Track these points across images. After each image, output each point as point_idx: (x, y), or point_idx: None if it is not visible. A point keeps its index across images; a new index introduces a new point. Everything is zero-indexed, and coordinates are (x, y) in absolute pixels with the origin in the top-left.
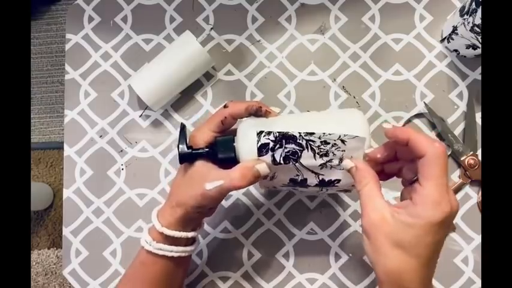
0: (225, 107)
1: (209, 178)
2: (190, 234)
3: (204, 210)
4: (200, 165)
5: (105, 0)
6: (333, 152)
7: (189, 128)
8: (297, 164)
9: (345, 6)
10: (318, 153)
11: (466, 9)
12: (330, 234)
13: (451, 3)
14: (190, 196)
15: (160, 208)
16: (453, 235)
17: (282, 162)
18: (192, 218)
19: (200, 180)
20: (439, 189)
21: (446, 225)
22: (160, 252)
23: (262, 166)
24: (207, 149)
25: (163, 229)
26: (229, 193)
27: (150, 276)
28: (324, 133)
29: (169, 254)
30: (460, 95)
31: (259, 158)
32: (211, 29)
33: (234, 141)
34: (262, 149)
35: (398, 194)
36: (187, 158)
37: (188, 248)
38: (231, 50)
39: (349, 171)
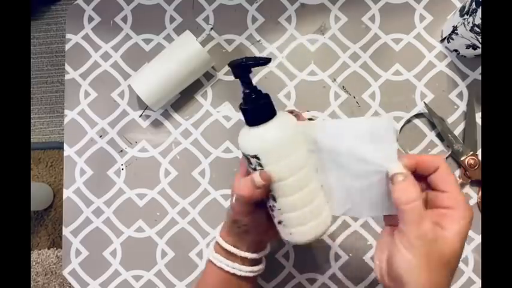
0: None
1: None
2: (243, 254)
3: (242, 226)
4: (234, 183)
5: (105, 0)
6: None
7: (190, 129)
8: None
9: (345, 6)
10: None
11: (466, 9)
12: (330, 234)
13: (451, 3)
14: (230, 211)
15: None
16: None
17: None
18: (237, 235)
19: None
20: (461, 191)
21: None
22: (217, 263)
23: (255, 175)
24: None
25: (219, 239)
26: (229, 193)
27: (211, 285)
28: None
29: (225, 268)
30: (460, 95)
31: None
32: (211, 29)
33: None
34: None
35: None
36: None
37: (245, 268)
38: (231, 50)
39: (391, 178)
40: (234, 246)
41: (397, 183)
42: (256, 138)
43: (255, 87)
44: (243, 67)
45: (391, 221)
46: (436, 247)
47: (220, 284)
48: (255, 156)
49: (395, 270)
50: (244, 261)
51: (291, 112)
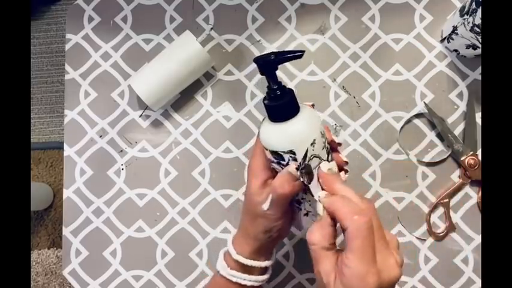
0: None
1: (262, 200)
2: (263, 264)
3: (274, 233)
4: (253, 194)
5: (105, 0)
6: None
7: (190, 129)
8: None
9: (345, 6)
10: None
11: (466, 9)
12: None
13: (451, 3)
14: (254, 224)
15: (235, 235)
16: (453, 235)
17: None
18: (265, 246)
19: (257, 208)
20: (362, 263)
21: None
22: (234, 279)
23: (292, 167)
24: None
25: (238, 257)
26: (231, 194)
27: None
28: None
29: (243, 282)
30: (460, 95)
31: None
32: (211, 29)
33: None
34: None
35: (399, 194)
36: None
37: (260, 278)
38: (231, 50)
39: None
40: (255, 260)
41: (313, 222)
42: (289, 133)
43: (280, 83)
44: (270, 64)
45: None
46: None
47: None
48: (291, 151)
49: None
50: (261, 270)
51: None
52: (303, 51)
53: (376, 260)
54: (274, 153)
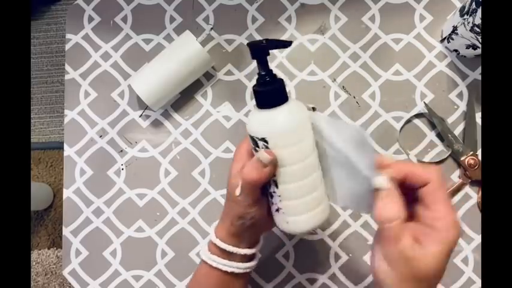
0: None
1: (237, 184)
2: (243, 251)
3: (247, 221)
4: (232, 178)
5: (105, 0)
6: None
7: (190, 129)
8: None
9: (345, 6)
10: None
11: (466, 9)
12: (330, 234)
13: (451, 3)
14: (230, 209)
15: (219, 221)
16: None
17: None
18: (241, 232)
19: (233, 192)
20: (452, 210)
21: None
22: (214, 264)
23: (261, 153)
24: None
25: (216, 241)
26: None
27: (206, 286)
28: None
29: (223, 268)
30: (460, 95)
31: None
32: (211, 29)
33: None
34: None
35: None
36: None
37: (242, 265)
38: (231, 50)
39: (375, 191)
40: (234, 246)
41: (379, 200)
42: (266, 121)
43: (271, 70)
44: (261, 49)
45: None
46: (411, 264)
47: (216, 284)
48: (263, 139)
49: (373, 269)
50: (243, 258)
51: None
52: (291, 41)
53: None
54: (251, 138)
